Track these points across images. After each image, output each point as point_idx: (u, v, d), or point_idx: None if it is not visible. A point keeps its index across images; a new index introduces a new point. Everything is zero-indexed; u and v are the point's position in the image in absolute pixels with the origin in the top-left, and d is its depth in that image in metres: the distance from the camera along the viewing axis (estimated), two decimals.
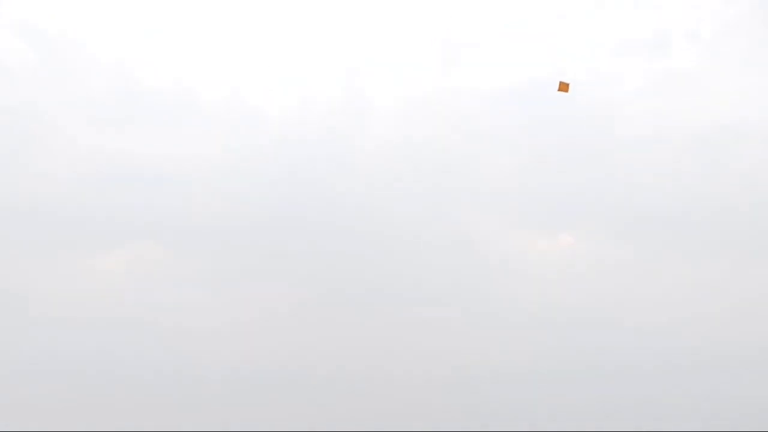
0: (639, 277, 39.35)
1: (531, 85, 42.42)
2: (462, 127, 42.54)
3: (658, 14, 43.48)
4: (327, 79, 43.45)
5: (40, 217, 39.26)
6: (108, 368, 36.90)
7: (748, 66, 42.27)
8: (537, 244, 41.11)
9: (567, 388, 36.80)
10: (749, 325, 37.28)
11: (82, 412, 35.58)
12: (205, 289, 39.53)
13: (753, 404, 35.20)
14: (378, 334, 38.64)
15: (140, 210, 40.40)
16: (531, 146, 42.18)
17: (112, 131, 40.96)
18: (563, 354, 37.58)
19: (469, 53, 43.27)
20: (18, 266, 38.33)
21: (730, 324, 37.36)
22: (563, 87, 28.29)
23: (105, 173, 40.31)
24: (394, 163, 42.39)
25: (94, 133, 40.49)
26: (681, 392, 36.14)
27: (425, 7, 43.27)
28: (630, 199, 40.49)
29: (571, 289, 39.45)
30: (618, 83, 42.56)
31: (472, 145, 42.32)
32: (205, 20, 43.08)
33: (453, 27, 43.34)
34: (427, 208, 41.35)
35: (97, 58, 42.47)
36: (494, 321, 39.07)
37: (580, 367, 37.04)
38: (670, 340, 37.05)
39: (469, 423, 36.24)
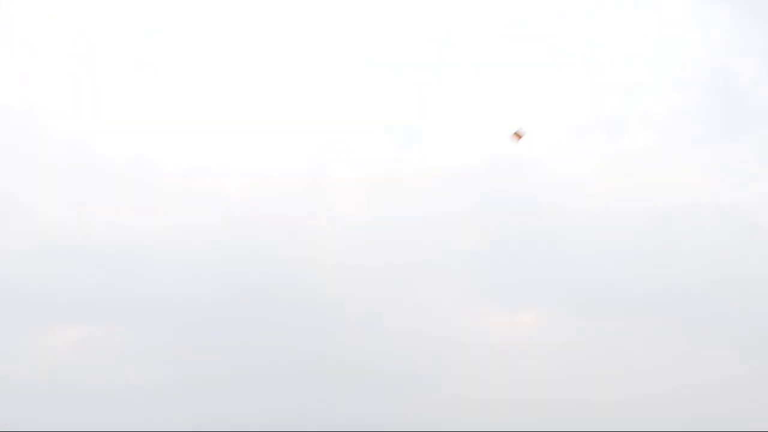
0: (598, 356, 39.50)
1: (491, 163, 43.11)
2: (421, 204, 42.81)
3: (611, 97, 44.76)
4: (289, 154, 43.64)
5: None
6: None
7: (699, 148, 43.56)
8: (497, 321, 41.21)
9: None
10: (705, 405, 37.61)
11: None
12: (158, 367, 38.90)
13: None
14: (335, 408, 38.30)
15: (94, 286, 39.83)
16: (490, 223, 42.55)
17: (69, 205, 40.43)
18: None
19: (430, 132, 43.98)
20: None
21: (689, 403, 37.65)
22: (517, 136, 28.73)
23: (60, 248, 39.65)
24: (355, 240, 42.41)
25: (50, 207, 39.89)
26: None
27: (386, 85, 43.87)
28: (588, 278, 40.84)
29: (531, 367, 39.51)
30: (574, 163, 43.46)
31: (433, 222, 42.54)
32: (165, 92, 43.05)
33: (413, 106, 44.06)
34: (388, 286, 41.29)
35: (53, 130, 42.13)
36: (450, 398, 38.93)
37: None
38: (631, 417, 37.13)
39: None
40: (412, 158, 43.71)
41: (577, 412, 37.95)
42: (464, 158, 43.57)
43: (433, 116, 44.19)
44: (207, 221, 41.65)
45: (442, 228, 42.54)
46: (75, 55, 43.56)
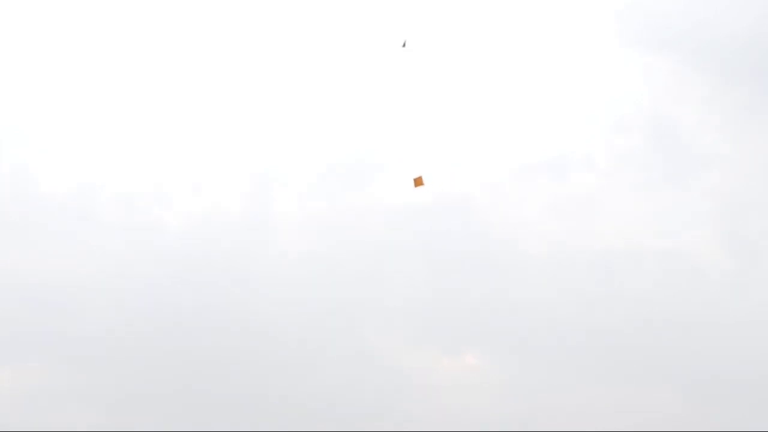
0: (542, 400, 39.27)
1: (434, 202, 42.96)
2: (366, 242, 42.47)
3: (554, 140, 45.11)
4: (228, 189, 43.03)
5: None
6: None
7: (639, 194, 44.05)
8: (440, 363, 40.82)
9: None
10: None
11: None
12: (98, 409, 37.96)
13: None
14: None
15: (29, 326, 38.73)
16: (434, 263, 42.34)
17: (4, 242, 39.42)
18: None
19: (374, 170, 43.76)
20: None
21: None
22: (418, 182, 28.70)
23: None
24: (296, 278, 41.78)
25: None
26: None
27: (331, 122, 43.71)
28: (534, 320, 40.68)
29: (474, 408, 39.13)
30: (519, 204, 43.65)
31: (376, 260, 42.18)
32: (108, 126, 42.39)
33: (358, 144, 43.92)
34: (328, 322, 40.62)
35: None
36: None
37: None
38: None
39: None
40: (356, 196, 43.56)
41: None
42: (410, 197, 43.45)
43: (378, 155, 44.16)
44: (145, 256, 40.78)
45: (385, 267, 42.28)
46: (11, 83, 42.91)
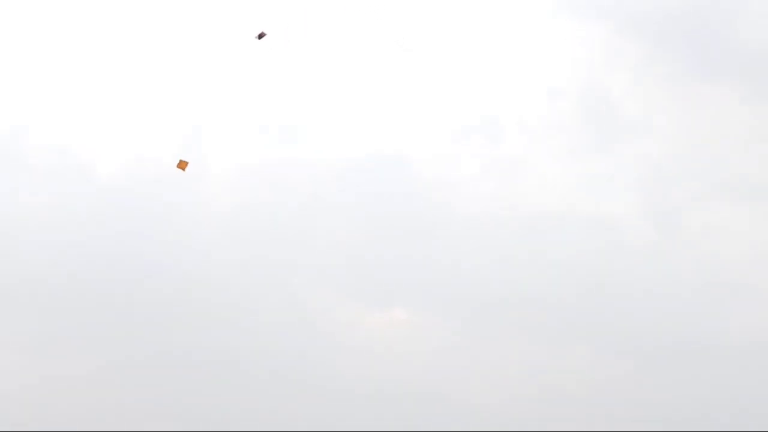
0: (467, 356, 40.06)
1: (370, 160, 43.31)
2: (300, 198, 42.62)
3: (490, 103, 45.62)
4: (162, 140, 42.69)
5: None
6: None
7: (569, 158, 44.85)
8: (369, 317, 41.38)
9: None
10: (570, 406, 38.67)
11: None
12: (15, 350, 37.56)
13: None
14: (200, 405, 37.62)
15: None
16: (367, 220, 42.68)
17: None
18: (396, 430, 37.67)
19: (310, 125, 43.85)
20: None
21: (553, 404, 38.64)
22: (182, 165, 29.21)
23: None
24: (228, 230, 41.80)
25: None
26: None
27: (269, 75, 43.40)
28: (462, 278, 41.40)
29: (400, 365, 39.82)
30: (455, 165, 44.15)
31: (309, 216, 42.39)
32: (38, 64, 41.48)
33: (295, 98, 43.77)
34: (261, 279, 40.87)
35: None
36: (322, 394, 38.82)
37: None
38: (496, 419, 37.88)
39: None
40: (291, 152, 43.57)
41: (442, 409, 38.43)
42: (343, 153, 43.73)
43: (315, 113, 44.17)
44: (77, 200, 40.31)
45: (316, 221, 42.53)
46: None
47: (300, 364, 38.97)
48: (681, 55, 45.86)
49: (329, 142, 43.58)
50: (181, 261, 40.37)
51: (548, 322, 40.66)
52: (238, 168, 43.20)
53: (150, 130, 42.86)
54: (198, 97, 43.13)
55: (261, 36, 28.96)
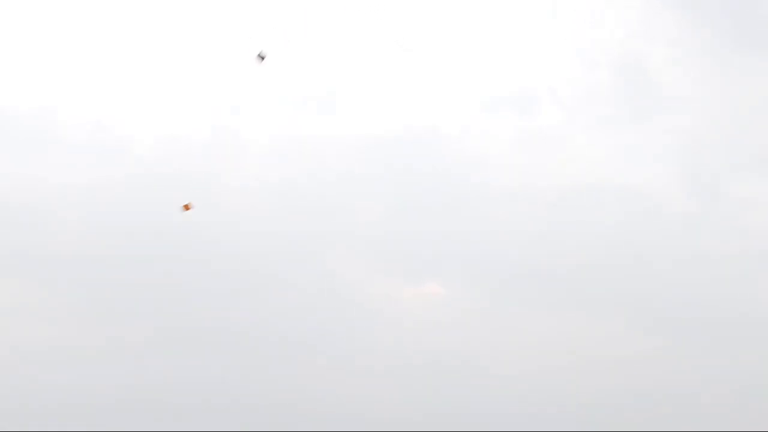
0: (503, 328, 40.03)
1: (405, 135, 43.31)
2: (334, 172, 42.65)
3: (523, 74, 45.29)
4: (201, 115, 42.89)
5: None
6: None
7: (605, 130, 44.51)
8: (403, 291, 41.44)
9: None
10: (602, 379, 38.52)
11: None
12: (68, 326, 38.08)
13: None
14: (239, 377, 37.88)
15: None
16: (401, 194, 42.69)
17: None
18: (428, 403, 37.69)
19: (345, 100, 43.77)
20: None
21: (587, 377, 38.48)
22: (186, 207, 29.90)
23: None
24: (263, 205, 41.99)
25: None
26: None
27: (306, 52, 43.42)
28: (497, 252, 41.34)
29: (435, 338, 39.82)
30: (486, 138, 43.94)
31: (344, 190, 42.42)
32: (72, 44, 41.72)
33: (331, 73, 43.75)
34: (296, 253, 40.95)
35: None
36: (355, 368, 38.95)
37: (446, 411, 37.27)
38: (535, 388, 37.84)
39: None
40: (323, 127, 43.53)
41: (478, 382, 38.41)
42: (375, 128, 43.64)
43: (346, 88, 44.07)
44: (113, 177, 40.60)
45: (349, 196, 42.58)
46: None
47: (334, 338, 39.13)
48: (719, 26, 45.37)
49: (363, 117, 43.57)
50: (217, 235, 40.53)
51: (581, 294, 40.57)
52: (273, 143, 43.36)
53: (186, 105, 43.03)
54: (233, 73, 43.18)
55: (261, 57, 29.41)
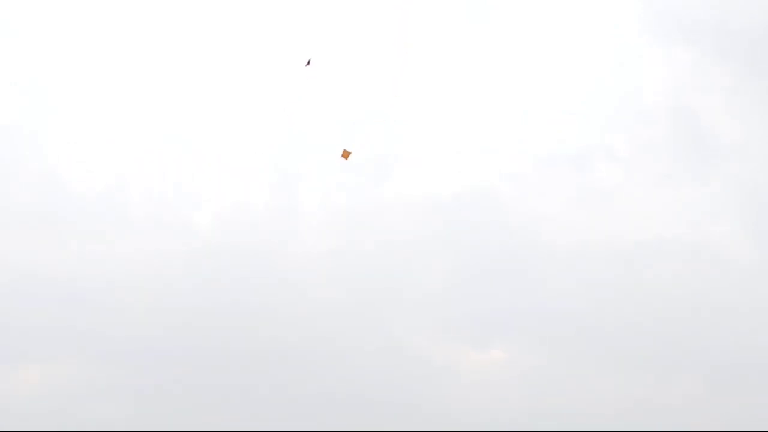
0: (566, 389, 39.60)
1: (458, 195, 43.36)
2: (391, 238, 42.70)
3: (578, 132, 45.26)
4: (258, 187, 43.39)
5: None
6: None
7: (663, 185, 44.28)
8: (468, 356, 41.20)
9: None
10: None
11: None
12: (127, 406, 38.39)
13: None
14: None
15: (58, 324, 39.13)
16: (458, 256, 42.61)
17: (37, 242, 39.79)
18: None
19: (400, 166, 44.07)
20: None
21: None
22: (345, 154, 29.03)
23: (29, 282, 38.87)
24: (324, 272, 42.10)
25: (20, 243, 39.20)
26: None
27: (358, 119, 43.79)
28: (556, 311, 40.85)
29: (501, 400, 39.54)
30: (542, 196, 43.86)
31: (401, 256, 42.45)
32: (134, 126, 42.65)
33: (385, 138, 44.06)
34: (358, 320, 40.94)
35: (24, 165, 41.61)
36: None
37: None
38: None
39: None
40: (382, 192, 43.81)
41: None
42: (433, 191, 43.79)
43: (403, 151, 44.38)
44: (176, 251, 41.11)
45: (410, 261, 42.56)
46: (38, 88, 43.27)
47: (400, 406, 38.92)
48: None
49: (420, 179, 43.76)
50: (279, 306, 40.74)
51: (650, 353, 39.98)
52: (329, 209, 43.59)
53: (242, 177, 43.59)
54: (287, 141, 43.76)
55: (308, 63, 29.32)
